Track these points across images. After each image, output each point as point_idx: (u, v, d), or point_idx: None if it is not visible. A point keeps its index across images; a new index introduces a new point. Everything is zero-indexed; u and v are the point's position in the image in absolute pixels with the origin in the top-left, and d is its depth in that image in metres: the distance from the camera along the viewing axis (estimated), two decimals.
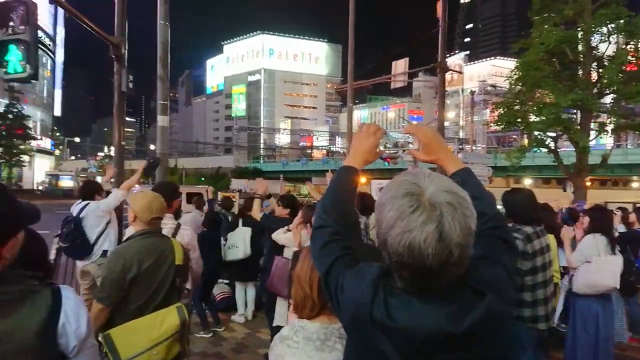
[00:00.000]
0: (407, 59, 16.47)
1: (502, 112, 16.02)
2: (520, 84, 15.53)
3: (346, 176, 1.27)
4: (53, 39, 54.05)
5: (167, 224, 2.87)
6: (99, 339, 1.87)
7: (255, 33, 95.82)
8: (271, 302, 3.82)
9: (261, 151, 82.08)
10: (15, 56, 4.26)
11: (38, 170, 46.61)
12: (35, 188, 41.51)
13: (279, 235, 3.80)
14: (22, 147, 37.55)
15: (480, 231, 0.95)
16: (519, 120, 15.94)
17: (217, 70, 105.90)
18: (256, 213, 4.55)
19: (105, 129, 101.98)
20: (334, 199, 1.23)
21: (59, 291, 1.13)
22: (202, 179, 57.45)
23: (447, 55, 16.74)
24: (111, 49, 5.49)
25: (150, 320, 2.10)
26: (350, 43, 14.01)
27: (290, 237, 3.69)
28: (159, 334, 2.05)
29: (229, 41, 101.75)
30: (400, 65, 16.50)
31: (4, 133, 35.14)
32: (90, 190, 4.47)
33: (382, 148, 1.36)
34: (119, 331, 2.00)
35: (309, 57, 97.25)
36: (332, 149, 74.93)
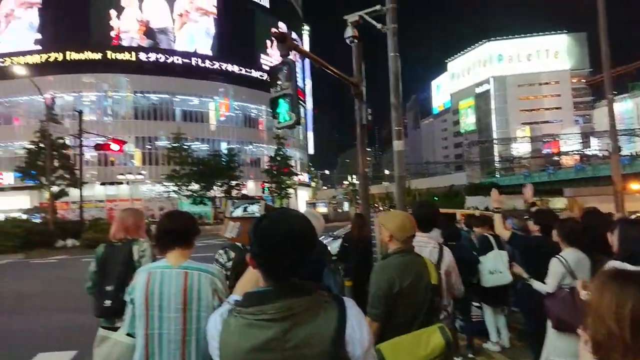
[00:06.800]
0: None
1: None
2: None
3: None
4: (303, 90, 64.93)
5: (429, 244, 2.87)
6: None
7: (480, 43, 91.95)
8: (537, 332, 3.39)
9: (495, 164, 76.58)
10: (283, 108, 5.26)
11: (300, 200, 55.97)
12: None
13: (541, 286, 3.22)
14: (288, 182, 45.89)
15: None
16: None
17: (442, 89, 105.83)
18: (500, 229, 4.14)
19: (347, 160, 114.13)
20: None
21: (343, 302, 1.23)
22: (435, 198, 57.41)
23: None
24: (352, 89, 6.16)
25: (415, 337, 2.13)
26: (601, 23, 11.72)
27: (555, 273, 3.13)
28: (426, 353, 2.06)
29: (452, 58, 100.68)
30: None
31: (274, 172, 43.74)
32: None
33: None
34: (388, 346, 2.08)
35: (546, 53, 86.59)
36: (586, 152, 63.56)
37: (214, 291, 1.97)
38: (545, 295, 3.17)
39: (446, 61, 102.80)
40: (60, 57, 45.39)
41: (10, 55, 45.45)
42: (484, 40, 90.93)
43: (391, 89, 6.90)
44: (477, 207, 29.33)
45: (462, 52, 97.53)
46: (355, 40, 6.46)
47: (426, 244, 2.83)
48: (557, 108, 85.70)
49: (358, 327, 1.21)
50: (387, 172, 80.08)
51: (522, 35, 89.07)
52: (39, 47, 45.85)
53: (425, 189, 63.02)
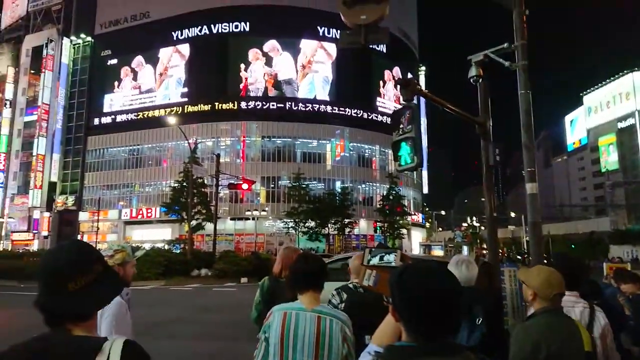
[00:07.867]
0: None
1: None
2: None
3: None
4: None
5: (579, 304, 2.55)
6: None
7: (620, 74, 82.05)
8: None
9: None
10: (405, 151, 5.23)
11: (414, 241, 54.21)
12: None
13: None
14: (401, 222, 44.97)
15: None
16: None
17: (577, 125, 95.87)
18: None
19: (466, 201, 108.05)
20: None
21: None
22: (573, 246, 50.82)
23: None
24: (477, 128, 5.91)
25: None
26: None
27: None
28: None
29: (587, 91, 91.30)
30: None
31: (387, 211, 43.28)
32: None
33: None
34: None
35: None
36: None
37: (343, 338, 1.97)
38: None
39: (581, 94, 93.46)
40: (202, 108, 52.14)
41: (163, 107, 53.70)
42: (626, 71, 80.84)
43: (522, 127, 6.43)
44: (621, 259, 25.34)
45: (600, 85, 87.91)
46: (480, 80, 6.24)
47: (574, 303, 2.52)
48: None
49: None
50: (512, 214, 73.60)
51: None
52: (185, 100, 53.32)
53: (561, 235, 56.30)
